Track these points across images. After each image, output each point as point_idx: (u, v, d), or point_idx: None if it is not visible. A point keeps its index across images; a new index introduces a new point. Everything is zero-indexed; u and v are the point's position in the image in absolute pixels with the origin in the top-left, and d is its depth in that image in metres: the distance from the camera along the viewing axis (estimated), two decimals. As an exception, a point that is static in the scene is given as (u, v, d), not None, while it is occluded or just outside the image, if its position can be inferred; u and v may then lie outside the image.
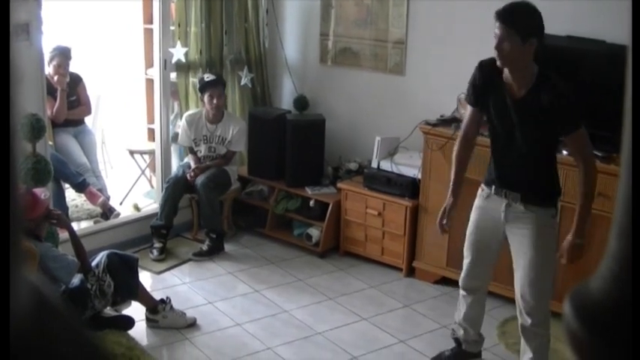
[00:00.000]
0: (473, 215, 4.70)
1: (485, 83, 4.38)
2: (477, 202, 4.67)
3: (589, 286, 0.84)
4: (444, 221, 4.76)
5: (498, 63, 4.18)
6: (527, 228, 4.36)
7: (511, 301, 5.72)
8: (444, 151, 5.85)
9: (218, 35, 7.07)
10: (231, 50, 7.27)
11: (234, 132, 6.77)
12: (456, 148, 4.71)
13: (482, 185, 4.62)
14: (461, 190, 4.72)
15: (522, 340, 4.59)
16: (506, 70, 4.24)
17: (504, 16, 4.05)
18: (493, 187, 4.49)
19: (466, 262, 4.78)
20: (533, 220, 4.34)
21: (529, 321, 4.45)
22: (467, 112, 4.67)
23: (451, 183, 4.71)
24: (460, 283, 4.86)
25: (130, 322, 5.22)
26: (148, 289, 5.59)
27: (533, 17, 4.06)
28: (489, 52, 5.89)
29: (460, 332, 4.96)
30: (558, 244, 4.45)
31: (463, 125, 4.70)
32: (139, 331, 5.28)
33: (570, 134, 4.20)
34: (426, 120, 6.02)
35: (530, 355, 4.52)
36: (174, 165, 7.15)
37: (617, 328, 0.79)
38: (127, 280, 5.12)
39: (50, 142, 6.32)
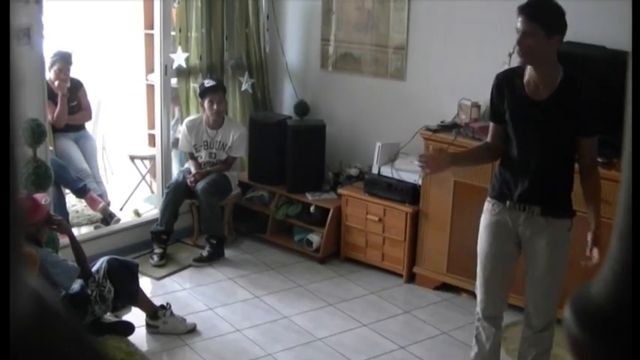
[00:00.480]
0: (484, 234, 4.40)
1: (501, 91, 4.25)
2: (486, 219, 4.38)
3: (589, 290, 0.84)
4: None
5: (520, 60, 4.06)
6: (543, 241, 4.19)
7: (511, 307, 5.72)
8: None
9: (219, 40, 7.07)
10: (232, 55, 7.28)
11: (235, 137, 6.77)
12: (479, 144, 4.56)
13: (490, 199, 4.35)
14: (458, 161, 4.63)
15: (523, 346, 4.50)
16: (528, 72, 4.12)
17: (528, 10, 3.96)
18: (507, 201, 4.23)
19: (480, 285, 4.49)
20: (550, 233, 4.18)
21: (538, 328, 4.36)
22: (490, 128, 4.47)
23: (455, 153, 4.45)
24: (480, 313, 4.50)
25: (130, 327, 5.22)
26: (148, 294, 5.59)
27: (558, 13, 3.98)
28: (491, 57, 5.92)
29: None
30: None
31: (488, 137, 4.49)
32: (139, 337, 5.27)
33: (589, 137, 4.09)
34: (426, 126, 6.02)
35: (533, 355, 4.42)
36: (175, 170, 7.14)
37: (618, 331, 0.79)
38: (127, 286, 5.12)
39: (51, 148, 6.32)
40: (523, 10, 3.96)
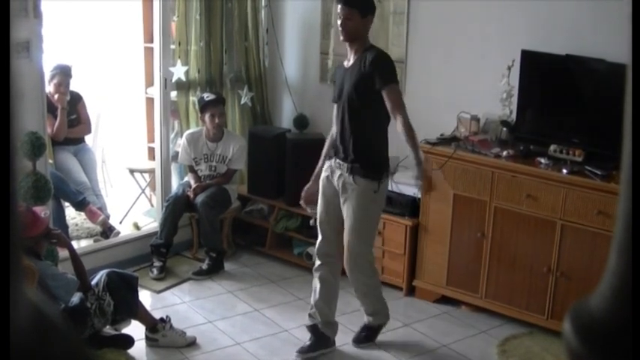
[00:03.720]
0: (320, 189, 5.27)
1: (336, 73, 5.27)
2: (322, 176, 5.25)
3: (589, 304, 0.84)
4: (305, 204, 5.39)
5: (341, 38, 4.98)
6: (351, 198, 5.02)
7: (511, 320, 5.73)
8: (444, 170, 5.86)
9: (218, 54, 7.08)
10: (232, 69, 7.28)
11: (235, 149, 6.77)
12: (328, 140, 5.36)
13: (327, 160, 5.24)
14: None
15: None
16: (348, 49, 5.05)
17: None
18: (333, 159, 5.13)
19: (319, 231, 5.31)
20: (357, 192, 4.99)
21: (349, 261, 5.19)
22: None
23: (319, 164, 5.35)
24: (315, 252, 5.38)
25: (129, 341, 5.21)
26: (148, 307, 5.58)
27: None
28: (490, 71, 5.93)
29: (317, 316, 5.36)
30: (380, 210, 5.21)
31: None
32: (139, 350, 5.26)
33: (385, 89, 4.84)
34: (425, 139, 6.01)
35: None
36: (175, 184, 7.15)
37: (618, 345, 0.79)
38: (126, 299, 5.11)
39: (50, 161, 6.32)
40: (341, 0, 4.91)
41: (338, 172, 5.07)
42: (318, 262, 5.34)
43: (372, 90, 4.86)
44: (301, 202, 5.39)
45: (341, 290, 6.36)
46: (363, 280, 5.30)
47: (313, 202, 5.32)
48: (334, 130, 5.18)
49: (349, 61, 5.05)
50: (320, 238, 5.30)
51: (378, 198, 5.06)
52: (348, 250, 5.16)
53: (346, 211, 5.07)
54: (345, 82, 5.00)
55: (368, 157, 5.02)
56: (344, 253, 5.21)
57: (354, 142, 4.98)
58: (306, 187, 5.36)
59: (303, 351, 5.35)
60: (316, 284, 5.34)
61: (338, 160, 5.06)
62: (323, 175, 5.22)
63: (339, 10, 4.93)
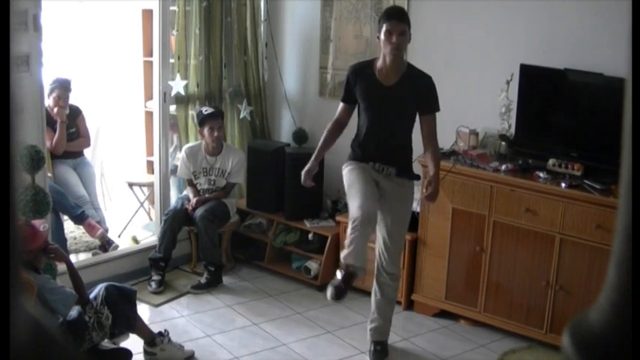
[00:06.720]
0: (354, 170, 5.22)
1: (354, 81, 5.22)
2: (352, 165, 5.29)
3: (588, 318, 0.83)
4: (308, 181, 5.38)
5: (394, 54, 5.00)
6: (396, 198, 5.19)
7: (510, 334, 5.72)
8: (443, 185, 5.85)
9: (217, 68, 7.09)
10: (231, 83, 7.29)
11: (234, 163, 6.77)
12: (327, 127, 5.45)
13: (352, 161, 5.30)
14: (320, 157, 5.48)
15: (376, 283, 5.49)
16: (380, 63, 5.12)
17: (401, 15, 5.06)
18: (371, 164, 5.22)
19: (356, 197, 5.01)
20: (402, 192, 5.21)
21: (390, 271, 5.36)
22: (340, 107, 5.44)
23: (316, 151, 5.44)
24: (359, 212, 4.88)
25: (127, 354, 5.19)
26: (146, 321, 5.56)
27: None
28: (488, 86, 5.93)
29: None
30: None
31: (337, 115, 5.44)
32: (137, 364, 5.25)
33: (428, 114, 5.10)
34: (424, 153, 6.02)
35: (379, 296, 5.47)
36: (173, 197, 7.14)
37: (618, 358, 0.79)
38: (125, 313, 5.10)
39: (49, 174, 6.32)
40: (398, 16, 5.04)
41: (381, 175, 5.24)
42: (357, 221, 4.89)
43: (416, 110, 5.14)
44: (303, 182, 5.42)
45: (338, 305, 6.36)
46: (395, 276, 5.45)
47: (312, 180, 5.43)
48: (336, 122, 5.42)
49: (387, 76, 5.11)
50: (362, 199, 4.94)
51: (413, 195, 5.39)
52: (389, 249, 5.29)
53: (390, 211, 5.21)
54: (387, 99, 5.11)
55: (408, 161, 5.31)
56: (382, 254, 5.34)
57: (398, 150, 5.23)
58: (306, 168, 5.39)
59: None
60: (357, 235, 5.00)
61: (381, 165, 5.22)
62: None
63: (389, 27, 4.96)
